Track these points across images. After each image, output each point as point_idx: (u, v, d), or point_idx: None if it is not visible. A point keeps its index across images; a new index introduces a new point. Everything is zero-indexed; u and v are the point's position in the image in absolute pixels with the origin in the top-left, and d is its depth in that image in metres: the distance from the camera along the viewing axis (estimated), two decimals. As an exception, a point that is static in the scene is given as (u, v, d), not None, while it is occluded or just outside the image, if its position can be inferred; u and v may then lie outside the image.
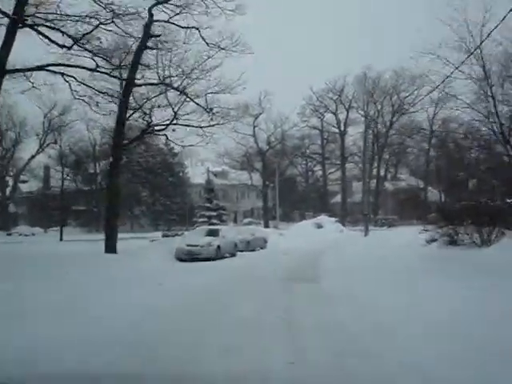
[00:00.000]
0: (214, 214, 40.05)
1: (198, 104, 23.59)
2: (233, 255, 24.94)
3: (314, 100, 70.88)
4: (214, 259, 22.83)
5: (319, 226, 46.07)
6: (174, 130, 24.55)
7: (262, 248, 29.79)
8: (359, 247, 29.23)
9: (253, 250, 28.36)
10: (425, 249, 21.09)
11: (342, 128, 71.38)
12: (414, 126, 68.14)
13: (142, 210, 68.87)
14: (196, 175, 69.96)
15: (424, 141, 70.27)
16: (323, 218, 47.69)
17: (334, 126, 72.12)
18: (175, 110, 23.68)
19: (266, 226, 65.29)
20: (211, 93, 23.54)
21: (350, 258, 22.68)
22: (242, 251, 26.30)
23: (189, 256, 22.50)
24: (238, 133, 65.20)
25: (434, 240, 20.94)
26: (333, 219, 48.65)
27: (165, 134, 25.51)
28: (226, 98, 24.22)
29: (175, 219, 64.59)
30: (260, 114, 64.82)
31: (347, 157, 74.17)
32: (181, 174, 67.04)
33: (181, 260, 22.58)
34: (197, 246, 23.09)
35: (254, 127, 65.33)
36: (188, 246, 23.24)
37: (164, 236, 41.02)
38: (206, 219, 40.78)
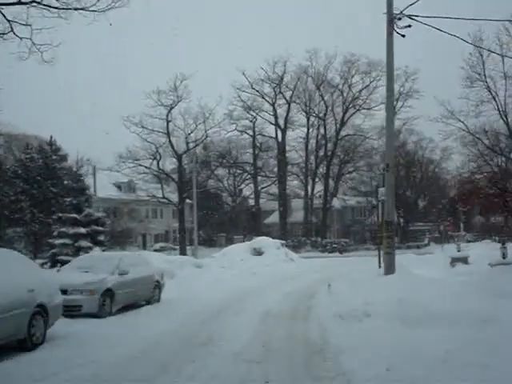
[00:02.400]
0: (83, 231, 23.83)
1: None
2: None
3: (245, 97, 56.53)
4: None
5: (258, 253, 31.07)
6: None
7: (148, 302, 14.08)
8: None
9: (125, 310, 12.86)
10: None
11: (282, 126, 56.98)
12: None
13: (17, 231, 51.18)
14: (99, 188, 53.31)
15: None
16: (262, 241, 32.67)
17: (271, 123, 57.61)
18: None
19: (183, 252, 49.55)
20: None
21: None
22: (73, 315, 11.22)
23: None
24: (146, 128, 49.60)
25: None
26: (277, 242, 33.69)
27: None
28: None
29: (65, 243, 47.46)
30: (176, 103, 49.38)
31: (287, 165, 60.00)
32: (70, 183, 49.99)
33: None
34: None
35: (168, 122, 49.87)
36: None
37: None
38: (67, 240, 24.50)
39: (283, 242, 34.92)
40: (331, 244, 52.81)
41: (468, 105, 35.46)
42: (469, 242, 63.76)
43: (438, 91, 44.80)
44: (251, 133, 60.37)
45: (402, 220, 63.12)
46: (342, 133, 56.86)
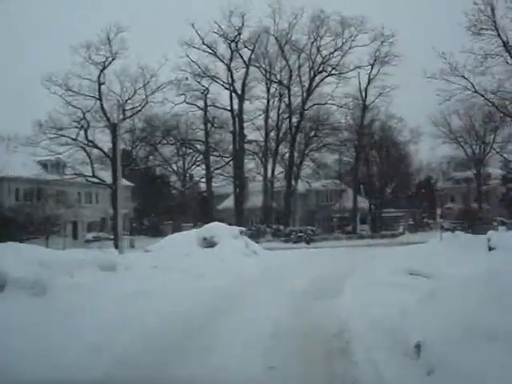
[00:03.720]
0: None
1: None
2: None
3: (195, 55, 47.70)
4: None
5: (209, 243, 22.90)
6: None
7: None
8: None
9: None
10: None
11: (239, 91, 48.39)
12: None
13: None
14: (15, 166, 43.74)
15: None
16: (215, 228, 24.39)
17: (225, 88, 48.68)
18: None
19: (117, 244, 40.81)
20: None
21: None
22: None
23: None
24: (71, 91, 40.39)
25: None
26: (235, 229, 25.42)
27: None
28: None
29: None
30: (110, 61, 40.32)
31: (245, 143, 51.81)
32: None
33: None
34: None
35: (100, 84, 40.82)
36: None
37: None
38: None
39: (242, 229, 26.72)
40: (296, 233, 45.02)
41: (472, 59, 28.34)
42: (447, 230, 57.43)
43: (420, 57, 37.80)
44: (202, 105, 51.86)
45: (372, 206, 56.10)
46: (310, 103, 48.90)
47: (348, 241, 45.73)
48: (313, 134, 49.50)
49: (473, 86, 28.07)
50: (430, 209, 59.27)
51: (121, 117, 43.20)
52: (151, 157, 55.72)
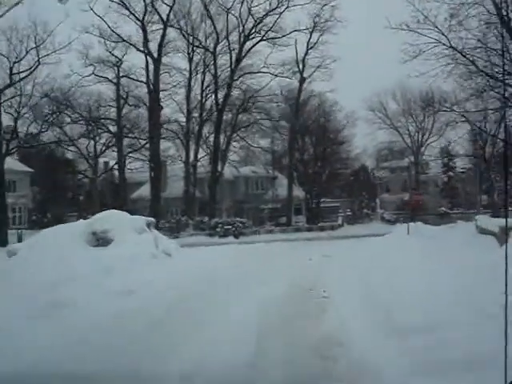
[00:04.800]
0: None
1: None
2: None
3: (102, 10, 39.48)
4: None
5: (102, 240, 15.83)
6: None
7: None
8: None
9: None
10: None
11: (155, 55, 40.47)
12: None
13: None
14: None
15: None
16: (110, 218, 17.17)
17: (138, 50, 40.45)
18: None
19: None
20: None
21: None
22: None
23: None
24: None
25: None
26: (139, 219, 18.22)
27: None
28: None
29: None
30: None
31: (164, 122, 44.43)
32: None
33: None
34: None
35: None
36: None
37: None
38: None
39: (151, 219, 19.47)
40: (223, 225, 38.27)
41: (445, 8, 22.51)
42: (389, 221, 52.59)
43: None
44: (114, 78, 43.97)
45: (308, 196, 50.29)
46: (240, 73, 41.87)
47: (283, 234, 39.58)
48: (242, 109, 42.57)
49: (447, 39, 22.28)
50: (369, 199, 54.15)
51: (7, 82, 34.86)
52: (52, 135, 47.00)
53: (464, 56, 21.95)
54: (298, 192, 49.18)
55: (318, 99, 46.64)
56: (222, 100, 41.61)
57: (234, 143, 44.69)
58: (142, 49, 39.71)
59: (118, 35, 39.38)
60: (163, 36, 39.33)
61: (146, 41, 39.07)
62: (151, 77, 41.14)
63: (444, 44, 22.31)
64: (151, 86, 41.52)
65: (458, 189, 57.34)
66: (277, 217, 46.34)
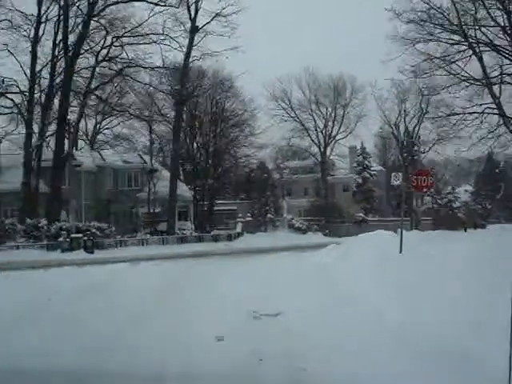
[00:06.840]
0: None
1: None
2: None
3: None
4: None
5: None
6: None
7: None
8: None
9: None
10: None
11: None
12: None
13: None
14: None
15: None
16: None
17: None
18: None
19: None
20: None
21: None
22: None
23: None
24: None
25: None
26: None
27: None
28: None
29: None
30: None
31: None
32: None
33: None
34: None
35: None
36: None
37: None
38: None
39: None
40: (68, 233, 25.55)
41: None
42: (299, 229, 42.37)
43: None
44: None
45: (198, 196, 38.82)
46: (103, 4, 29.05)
47: (162, 246, 27.94)
48: (106, 57, 29.84)
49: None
50: (273, 202, 43.48)
51: None
52: None
53: None
54: (185, 191, 37.40)
55: (214, 66, 35.56)
56: (74, 43, 28.70)
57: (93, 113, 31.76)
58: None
59: None
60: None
61: None
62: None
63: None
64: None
65: (374, 191, 48.53)
66: (155, 222, 33.98)
